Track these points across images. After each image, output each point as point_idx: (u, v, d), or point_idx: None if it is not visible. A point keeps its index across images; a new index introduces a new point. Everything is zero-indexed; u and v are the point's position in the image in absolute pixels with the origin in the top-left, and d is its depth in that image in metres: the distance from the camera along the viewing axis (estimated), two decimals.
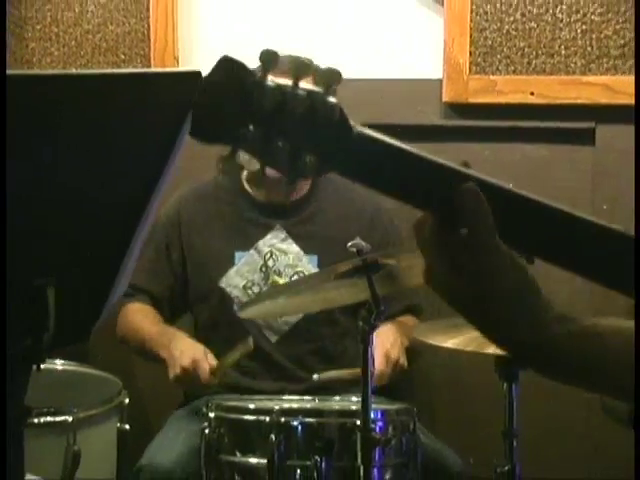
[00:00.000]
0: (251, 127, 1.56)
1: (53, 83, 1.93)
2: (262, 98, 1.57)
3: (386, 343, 3.79)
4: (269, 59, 1.63)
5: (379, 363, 3.69)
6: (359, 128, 1.61)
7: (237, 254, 4.07)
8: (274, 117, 1.57)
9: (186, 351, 3.76)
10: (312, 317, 4.07)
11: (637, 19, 1.55)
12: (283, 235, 4.13)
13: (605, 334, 1.69)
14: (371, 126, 4.36)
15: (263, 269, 4.10)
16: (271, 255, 4.12)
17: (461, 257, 1.59)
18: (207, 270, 4.13)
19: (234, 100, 1.58)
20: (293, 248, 4.13)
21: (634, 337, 1.64)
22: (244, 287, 4.10)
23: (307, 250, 4.14)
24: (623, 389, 1.69)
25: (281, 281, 4.09)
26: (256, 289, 4.08)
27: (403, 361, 3.83)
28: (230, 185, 4.23)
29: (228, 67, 1.64)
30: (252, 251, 4.11)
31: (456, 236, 1.57)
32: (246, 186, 4.21)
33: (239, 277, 4.10)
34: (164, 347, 3.84)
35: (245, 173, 4.19)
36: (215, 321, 4.16)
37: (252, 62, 3.95)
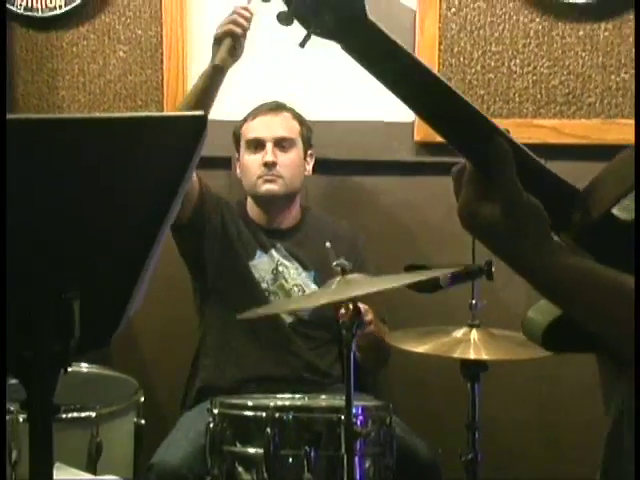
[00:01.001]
0: None
1: (79, 125, 1.92)
2: None
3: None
4: None
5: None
6: (374, 20, 1.70)
7: (258, 252, 4.10)
8: None
9: None
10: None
11: (637, 20, 1.52)
12: (284, 253, 4.17)
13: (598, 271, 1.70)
14: (352, 161, 4.35)
15: (274, 272, 4.14)
16: (280, 263, 4.15)
17: (490, 195, 1.66)
18: (240, 248, 4.15)
19: None
20: (293, 264, 4.16)
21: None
22: (261, 278, 4.14)
23: (305, 267, 4.17)
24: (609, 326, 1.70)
25: (286, 285, 4.13)
26: (264, 285, 4.12)
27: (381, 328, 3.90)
28: (241, 213, 4.26)
29: None
30: (267, 255, 4.13)
31: (487, 178, 1.67)
32: (250, 214, 4.23)
33: (256, 270, 4.12)
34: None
35: (249, 201, 4.23)
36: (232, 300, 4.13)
37: (250, 106, 3.92)
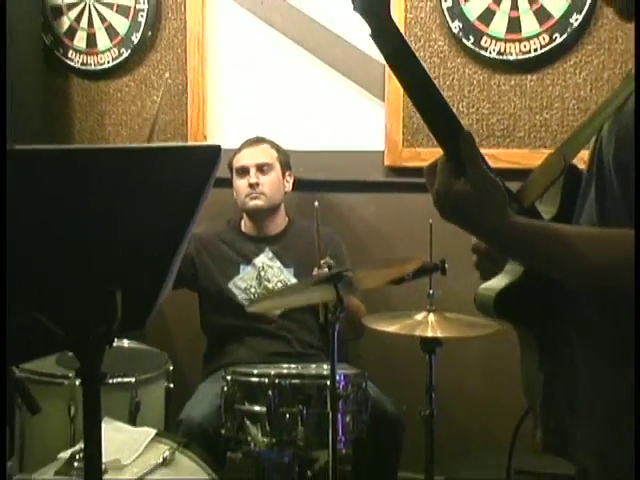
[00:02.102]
0: None
1: (122, 154, 1.91)
2: None
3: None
4: None
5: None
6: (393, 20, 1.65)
7: (242, 266, 4.14)
8: None
9: None
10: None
11: (637, 21, 1.51)
12: (270, 255, 4.21)
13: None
14: (333, 182, 4.29)
15: (258, 277, 4.17)
16: (263, 268, 4.17)
17: (460, 176, 1.65)
18: (218, 276, 4.18)
19: None
20: (276, 264, 4.20)
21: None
22: (245, 289, 4.14)
23: (286, 265, 4.19)
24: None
25: (270, 286, 4.16)
26: (252, 290, 4.14)
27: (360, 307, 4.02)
28: (235, 228, 4.32)
29: None
30: (250, 265, 4.15)
31: (456, 164, 1.65)
32: (243, 229, 4.30)
33: (242, 281, 4.14)
34: None
35: (244, 216, 4.29)
36: (222, 313, 4.20)
37: (242, 138, 3.87)
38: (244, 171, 4.18)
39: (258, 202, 4.16)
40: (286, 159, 4.27)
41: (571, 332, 1.77)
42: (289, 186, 4.29)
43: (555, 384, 1.84)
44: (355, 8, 1.65)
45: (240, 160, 4.20)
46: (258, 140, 4.26)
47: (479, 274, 1.86)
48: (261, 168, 4.17)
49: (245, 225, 4.30)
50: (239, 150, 4.23)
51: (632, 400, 1.66)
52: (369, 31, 1.65)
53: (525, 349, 1.93)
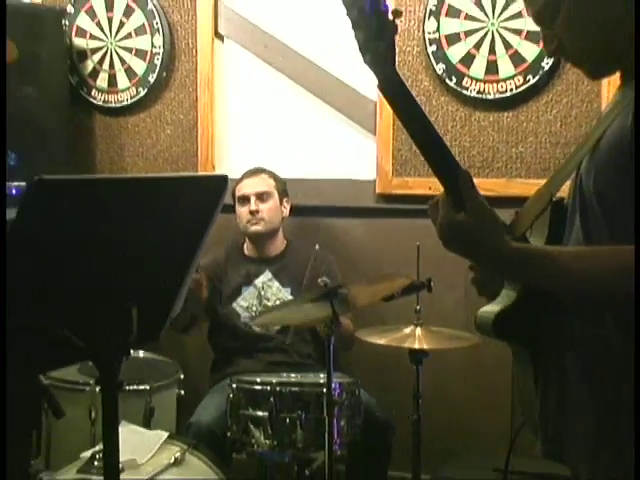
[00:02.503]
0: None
1: (138, 183, 1.92)
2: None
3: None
4: None
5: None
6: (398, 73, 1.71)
7: (243, 287, 4.12)
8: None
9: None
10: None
11: (637, 22, 1.51)
12: (270, 276, 4.19)
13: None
14: (329, 207, 4.29)
15: (259, 297, 4.15)
16: (263, 288, 4.16)
17: (460, 209, 1.67)
18: (225, 299, 4.15)
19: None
20: (275, 284, 4.18)
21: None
22: (247, 307, 4.13)
23: (284, 284, 4.17)
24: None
25: (269, 304, 4.14)
26: (254, 308, 4.13)
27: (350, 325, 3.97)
28: (238, 251, 4.31)
29: None
30: (252, 286, 4.14)
31: (456, 199, 1.67)
32: (245, 251, 4.28)
33: (244, 301, 4.13)
34: None
35: (246, 242, 4.28)
36: (227, 330, 4.18)
37: (245, 168, 3.89)
38: (245, 199, 4.17)
39: (258, 227, 4.16)
40: (283, 187, 4.27)
41: (562, 348, 1.78)
42: (286, 211, 4.28)
43: (549, 396, 1.85)
44: (365, 62, 1.68)
45: (241, 189, 4.19)
46: (257, 170, 4.25)
47: (476, 290, 1.89)
48: (260, 196, 4.17)
49: (247, 248, 4.29)
50: (240, 180, 4.22)
51: (618, 405, 1.68)
52: (377, 82, 1.69)
53: (519, 365, 1.94)
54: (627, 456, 1.66)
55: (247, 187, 4.18)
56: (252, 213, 4.15)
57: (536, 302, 1.77)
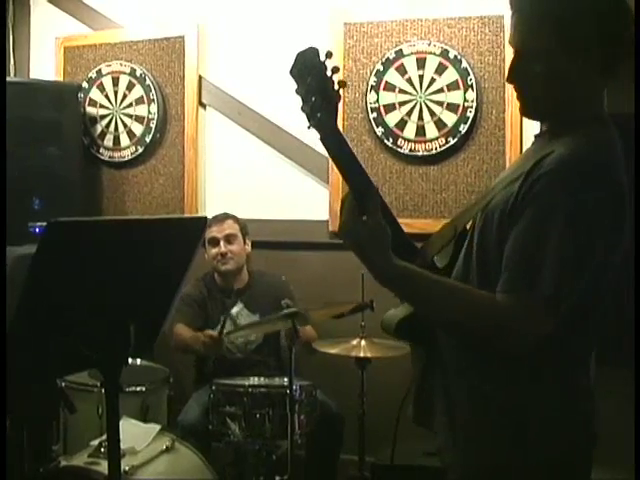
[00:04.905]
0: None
1: (133, 223, 1.92)
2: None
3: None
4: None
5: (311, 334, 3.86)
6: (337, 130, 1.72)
7: (221, 317, 3.92)
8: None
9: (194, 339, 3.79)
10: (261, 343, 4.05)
11: (637, 22, 1.45)
12: (241, 306, 4.09)
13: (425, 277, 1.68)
14: (290, 242, 4.24)
15: (233, 323, 4.01)
16: (237, 316, 4.07)
17: (361, 216, 1.63)
18: (210, 324, 3.99)
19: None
20: (245, 312, 4.09)
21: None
22: (225, 333, 3.89)
23: (253, 311, 4.08)
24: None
25: None
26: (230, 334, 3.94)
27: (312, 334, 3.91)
28: (212, 284, 4.18)
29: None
30: (228, 316, 3.97)
31: (361, 207, 1.64)
32: (218, 282, 4.18)
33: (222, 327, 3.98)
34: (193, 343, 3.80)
35: (215, 275, 4.17)
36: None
37: (250, 211, 3.88)
38: (215, 241, 4.05)
39: (228, 266, 4.05)
40: (245, 229, 4.16)
41: (445, 347, 1.77)
42: (249, 248, 4.18)
43: (427, 375, 1.84)
44: (310, 125, 1.69)
45: (211, 233, 4.05)
46: (224, 216, 4.14)
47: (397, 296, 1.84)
48: (227, 239, 4.06)
49: (218, 280, 4.16)
50: (210, 225, 4.06)
51: (479, 400, 1.69)
52: (319, 136, 1.69)
53: (414, 359, 1.92)
54: (472, 441, 1.69)
55: (216, 232, 4.06)
56: (222, 255, 4.05)
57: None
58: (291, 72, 1.71)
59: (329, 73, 1.70)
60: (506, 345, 1.57)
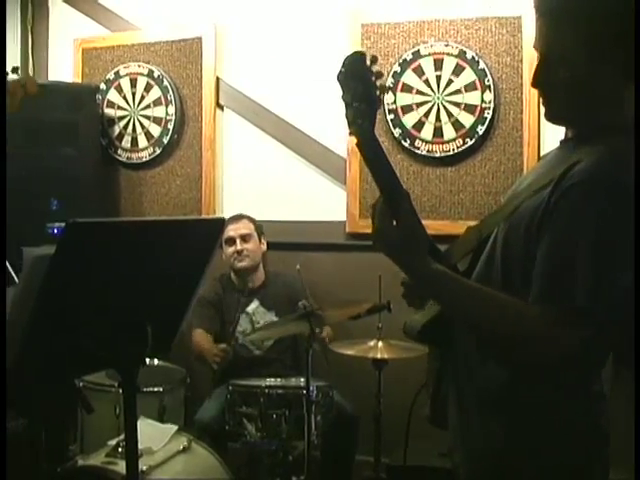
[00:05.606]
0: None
1: (154, 225, 1.92)
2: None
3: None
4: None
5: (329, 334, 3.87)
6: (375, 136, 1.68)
7: (238, 315, 4.00)
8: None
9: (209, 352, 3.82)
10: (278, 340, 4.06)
11: (637, 23, 1.43)
12: (257, 304, 4.15)
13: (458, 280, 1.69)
14: (307, 244, 4.23)
15: (251, 322, 4.09)
16: (253, 314, 4.11)
17: (393, 221, 1.64)
18: (227, 324, 4.05)
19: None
20: (261, 309, 4.14)
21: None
22: (242, 332, 4.05)
23: (269, 309, 4.13)
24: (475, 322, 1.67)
25: (258, 326, 4.06)
26: (248, 331, 4.02)
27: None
28: (230, 284, 4.23)
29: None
30: (244, 314, 4.07)
31: (393, 210, 1.64)
32: (235, 282, 4.23)
33: (239, 326, 4.05)
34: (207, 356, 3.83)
35: (232, 275, 4.23)
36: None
37: (259, 213, 3.88)
38: (231, 241, 4.13)
39: (244, 263, 4.13)
40: (260, 229, 4.24)
41: (460, 341, 1.77)
42: (264, 247, 4.25)
43: (444, 375, 1.85)
44: (351, 132, 1.68)
45: (227, 232, 4.13)
46: (239, 216, 4.21)
47: (406, 301, 1.85)
48: (243, 238, 4.14)
49: (235, 280, 4.23)
50: (226, 225, 4.10)
51: (488, 401, 1.69)
52: (356, 141, 1.69)
53: (431, 359, 1.92)
54: (487, 436, 1.69)
55: (232, 231, 4.14)
56: (238, 252, 4.12)
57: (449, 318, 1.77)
58: (338, 77, 1.69)
59: (373, 78, 1.68)
60: (537, 355, 1.58)
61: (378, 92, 1.68)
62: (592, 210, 1.52)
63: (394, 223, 1.64)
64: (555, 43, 1.63)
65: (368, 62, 1.68)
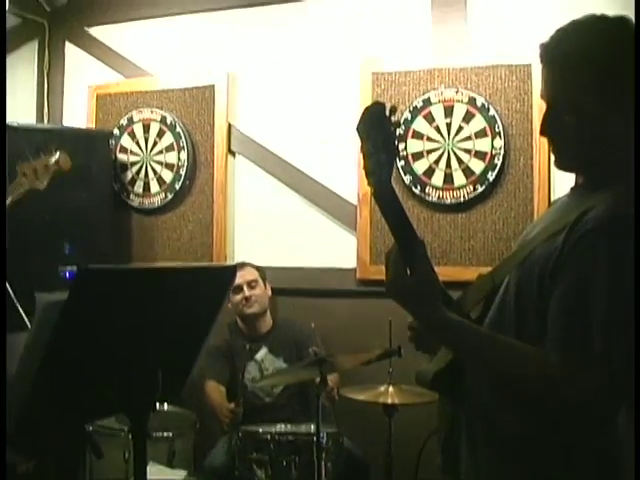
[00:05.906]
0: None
1: (165, 272, 1.93)
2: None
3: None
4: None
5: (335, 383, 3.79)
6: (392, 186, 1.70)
7: (246, 363, 4.02)
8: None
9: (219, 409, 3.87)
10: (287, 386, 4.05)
11: (637, 22, 1.44)
12: (266, 351, 4.15)
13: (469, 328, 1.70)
14: (318, 290, 4.22)
15: (260, 369, 4.10)
16: (262, 361, 4.12)
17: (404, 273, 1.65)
18: (237, 371, 4.05)
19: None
20: (270, 356, 4.15)
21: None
22: (251, 379, 4.04)
23: (277, 355, 4.14)
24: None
25: (267, 373, 4.08)
26: (257, 378, 4.03)
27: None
28: (237, 331, 4.25)
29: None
30: (253, 361, 4.08)
31: (407, 260, 1.65)
32: (243, 330, 4.24)
33: (248, 373, 4.05)
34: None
35: (238, 320, 4.25)
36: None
37: (265, 259, 3.88)
38: (238, 288, 4.13)
39: (253, 309, 4.15)
40: (264, 275, 4.27)
41: (474, 391, 1.76)
42: (269, 292, 4.27)
43: (456, 423, 1.83)
44: (369, 183, 1.69)
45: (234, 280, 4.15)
46: (244, 264, 4.23)
47: (414, 345, 1.85)
48: (250, 284, 4.16)
49: (242, 326, 4.25)
50: None
51: (499, 452, 1.69)
52: (372, 191, 1.71)
53: (441, 406, 1.91)
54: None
55: (238, 278, 4.10)
56: (246, 299, 4.14)
57: (462, 366, 1.75)
58: (358, 128, 1.71)
59: (392, 128, 1.70)
60: (557, 402, 1.59)
61: (397, 142, 1.69)
62: (607, 257, 1.53)
63: (408, 272, 1.65)
64: (560, 90, 1.65)
65: (387, 112, 1.70)
